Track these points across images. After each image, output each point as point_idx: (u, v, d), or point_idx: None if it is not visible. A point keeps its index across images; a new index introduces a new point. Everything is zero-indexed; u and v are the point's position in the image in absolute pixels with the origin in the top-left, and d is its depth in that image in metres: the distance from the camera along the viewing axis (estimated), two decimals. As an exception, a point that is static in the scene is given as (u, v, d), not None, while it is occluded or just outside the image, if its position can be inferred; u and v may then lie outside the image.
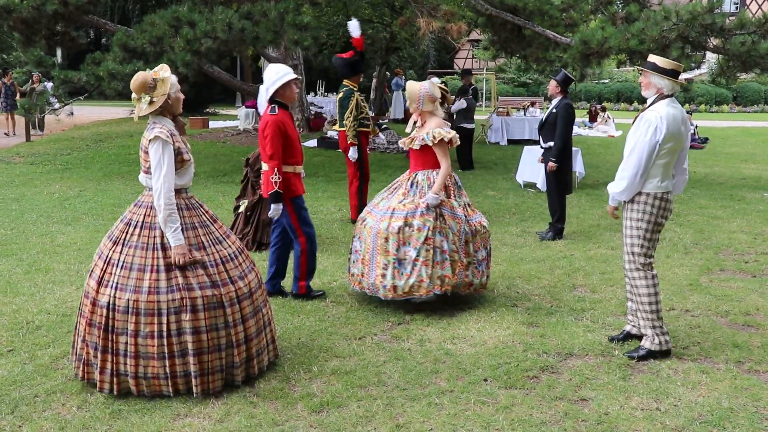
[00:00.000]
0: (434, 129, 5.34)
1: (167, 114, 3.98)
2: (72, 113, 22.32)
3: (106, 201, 9.65)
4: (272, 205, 5.30)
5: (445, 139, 5.34)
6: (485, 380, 4.15)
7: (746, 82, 32.81)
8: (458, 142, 5.57)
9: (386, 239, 5.21)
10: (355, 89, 8.26)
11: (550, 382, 4.14)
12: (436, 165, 5.39)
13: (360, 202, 8.27)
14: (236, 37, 10.17)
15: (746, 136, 20.97)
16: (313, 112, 19.70)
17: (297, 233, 5.46)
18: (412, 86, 5.49)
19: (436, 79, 7.81)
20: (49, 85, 16.19)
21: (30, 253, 6.91)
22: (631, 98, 34.22)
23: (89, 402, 3.83)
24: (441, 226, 5.25)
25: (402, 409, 3.81)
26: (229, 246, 4.07)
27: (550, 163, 7.59)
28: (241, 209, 7.14)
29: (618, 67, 34.34)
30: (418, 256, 5.17)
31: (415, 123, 5.60)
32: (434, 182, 5.33)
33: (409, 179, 5.49)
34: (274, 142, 5.26)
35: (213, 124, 21.50)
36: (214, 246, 3.98)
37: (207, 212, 4.10)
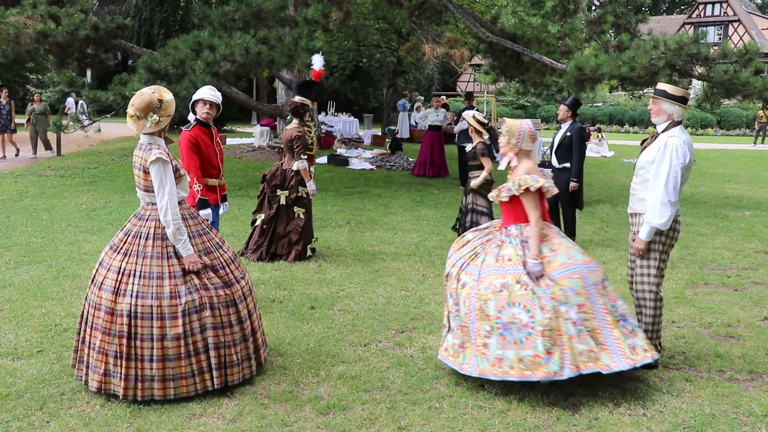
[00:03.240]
0: (520, 176, 4.18)
1: (160, 133, 3.99)
2: (99, 130, 22.42)
3: (129, 212, 9.67)
4: (201, 211, 5.41)
5: (532, 189, 4.13)
6: (483, 386, 4.14)
7: (729, 108, 32.92)
8: (555, 190, 4.30)
9: (486, 301, 4.02)
10: None
11: (544, 388, 4.13)
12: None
13: None
14: (253, 61, 10.26)
15: (729, 158, 20.93)
16: (324, 131, 19.77)
17: None
18: (513, 123, 4.40)
19: (470, 112, 7.55)
20: (81, 102, 16.25)
21: (59, 260, 6.95)
22: (622, 121, 34.48)
23: (111, 401, 3.85)
24: (559, 294, 3.93)
25: (404, 412, 3.82)
26: (227, 251, 4.20)
27: (572, 183, 7.59)
28: (258, 222, 7.19)
29: (610, 92, 34.30)
30: (534, 322, 3.86)
31: (509, 162, 4.41)
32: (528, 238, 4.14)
33: (502, 233, 4.31)
34: (188, 157, 5.40)
35: (230, 140, 21.59)
36: (217, 251, 4.11)
37: (203, 221, 4.22)
